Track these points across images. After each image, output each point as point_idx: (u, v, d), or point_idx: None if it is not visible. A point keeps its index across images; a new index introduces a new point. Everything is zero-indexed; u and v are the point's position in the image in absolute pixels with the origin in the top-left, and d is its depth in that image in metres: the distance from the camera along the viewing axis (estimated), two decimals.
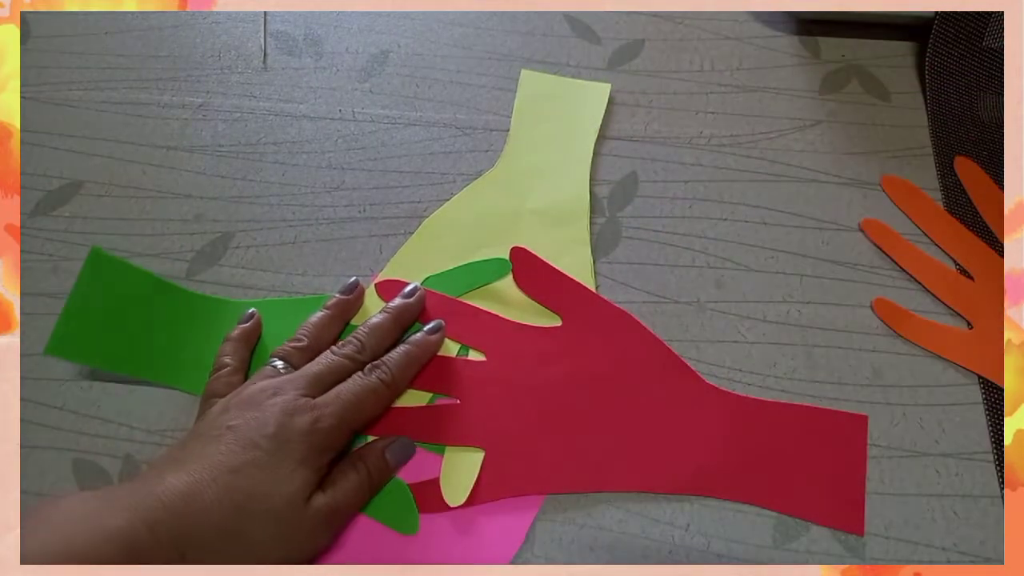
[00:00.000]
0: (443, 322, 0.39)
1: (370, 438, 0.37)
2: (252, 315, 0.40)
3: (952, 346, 0.39)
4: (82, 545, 0.27)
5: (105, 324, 0.38)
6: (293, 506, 0.32)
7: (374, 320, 0.38)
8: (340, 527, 0.35)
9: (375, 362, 0.36)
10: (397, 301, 0.39)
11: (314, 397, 0.34)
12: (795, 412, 0.37)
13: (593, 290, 0.40)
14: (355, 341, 0.37)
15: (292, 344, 0.37)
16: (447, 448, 0.37)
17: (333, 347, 0.37)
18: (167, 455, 0.33)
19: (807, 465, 0.36)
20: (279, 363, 0.36)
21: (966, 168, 0.44)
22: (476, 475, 0.36)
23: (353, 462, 0.35)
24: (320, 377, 0.35)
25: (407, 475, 0.36)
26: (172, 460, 0.32)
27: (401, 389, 0.37)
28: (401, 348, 0.37)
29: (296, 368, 0.36)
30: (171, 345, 0.39)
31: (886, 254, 0.42)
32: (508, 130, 0.46)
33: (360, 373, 0.36)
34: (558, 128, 0.46)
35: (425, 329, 0.38)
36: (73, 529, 0.28)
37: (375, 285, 0.41)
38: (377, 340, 0.37)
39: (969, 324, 0.39)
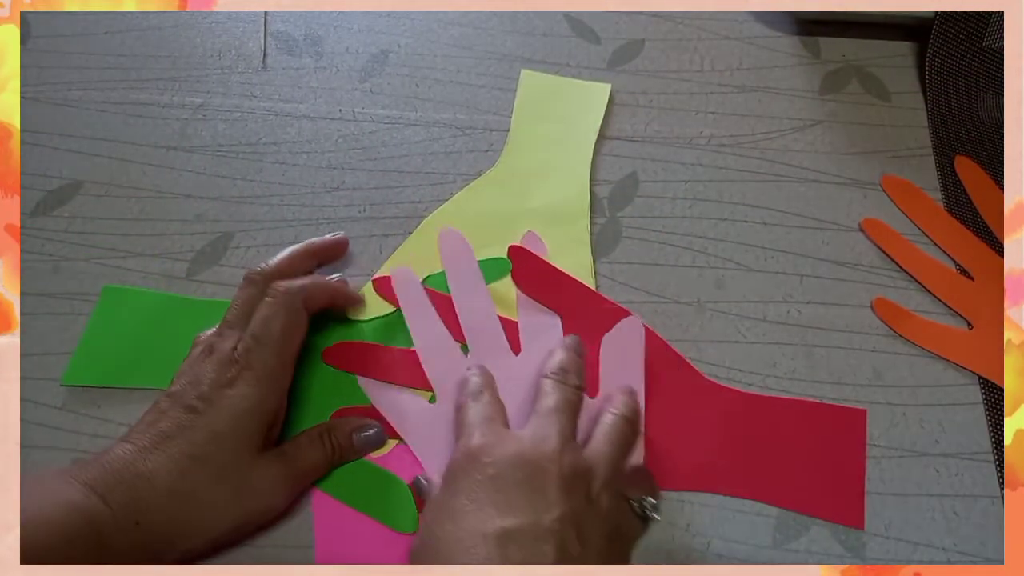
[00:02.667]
0: (346, 280, 0.39)
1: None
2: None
3: (952, 346, 0.39)
4: (49, 520, 0.28)
5: (118, 349, 0.40)
6: (238, 463, 0.32)
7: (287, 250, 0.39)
8: (296, 493, 0.35)
9: (288, 283, 0.36)
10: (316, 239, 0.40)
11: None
12: (794, 407, 0.37)
13: (593, 289, 0.40)
14: (261, 266, 0.37)
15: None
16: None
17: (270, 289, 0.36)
18: (125, 433, 0.33)
19: (807, 460, 0.36)
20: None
21: (966, 168, 0.44)
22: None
23: (321, 436, 0.35)
24: (239, 316, 0.35)
25: (405, 474, 0.36)
26: (125, 435, 0.33)
27: (310, 307, 0.36)
28: (315, 276, 0.38)
29: None
30: (176, 353, 0.39)
31: (886, 254, 0.42)
32: (508, 130, 0.46)
33: (268, 296, 0.35)
34: (558, 128, 0.46)
35: (338, 276, 0.39)
36: (39, 504, 0.28)
37: (373, 282, 0.41)
38: (285, 263, 0.37)
39: (969, 324, 0.40)
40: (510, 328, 0.39)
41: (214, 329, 0.36)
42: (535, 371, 0.37)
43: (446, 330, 0.39)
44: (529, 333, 0.39)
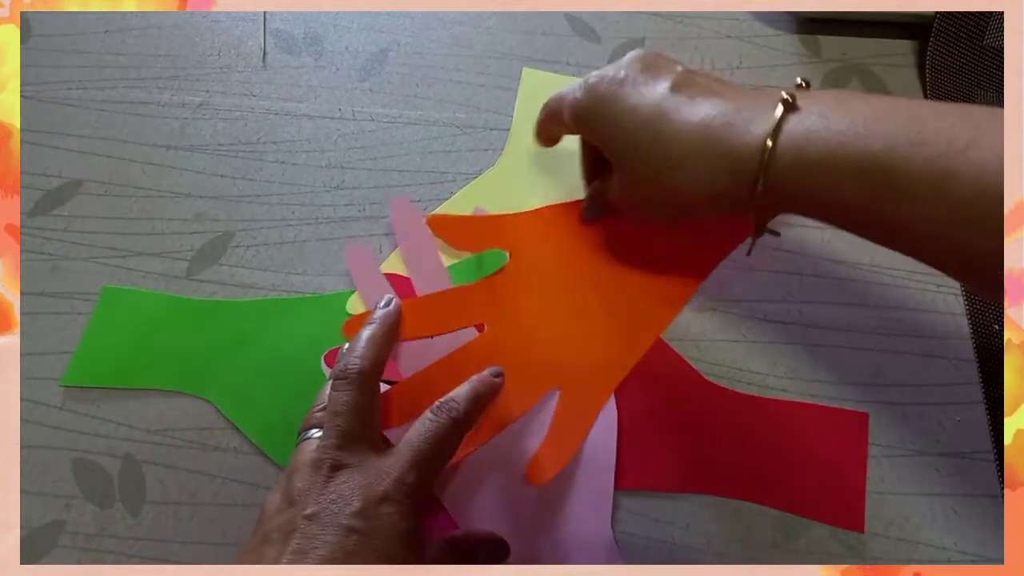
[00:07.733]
0: (502, 368, 0.36)
1: None
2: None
3: None
4: None
5: (118, 349, 0.40)
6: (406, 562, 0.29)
7: (365, 333, 0.34)
8: None
9: (442, 400, 0.33)
10: (377, 312, 0.35)
11: (372, 447, 0.31)
12: (796, 409, 0.37)
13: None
14: (354, 360, 0.32)
15: (318, 410, 0.33)
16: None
17: (334, 382, 0.32)
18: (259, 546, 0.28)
19: (808, 462, 0.36)
20: (315, 432, 0.32)
21: None
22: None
23: (444, 552, 0.32)
24: (348, 424, 0.31)
25: None
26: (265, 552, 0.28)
27: (470, 426, 0.33)
28: (467, 385, 0.34)
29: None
30: (175, 353, 0.40)
31: None
32: (508, 129, 0.46)
33: (429, 414, 0.32)
34: None
35: (488, 371, 0.35)
36: None
37: None
38: (375, 351, 0.33)
39: None
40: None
41: (316, 432, 0.32)
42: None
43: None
44: None
